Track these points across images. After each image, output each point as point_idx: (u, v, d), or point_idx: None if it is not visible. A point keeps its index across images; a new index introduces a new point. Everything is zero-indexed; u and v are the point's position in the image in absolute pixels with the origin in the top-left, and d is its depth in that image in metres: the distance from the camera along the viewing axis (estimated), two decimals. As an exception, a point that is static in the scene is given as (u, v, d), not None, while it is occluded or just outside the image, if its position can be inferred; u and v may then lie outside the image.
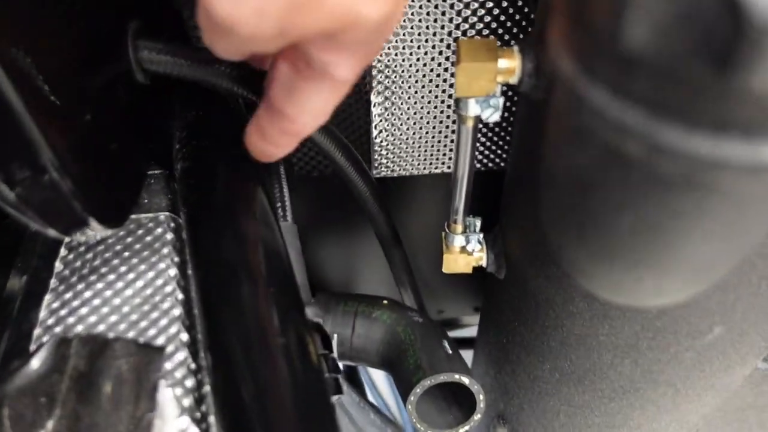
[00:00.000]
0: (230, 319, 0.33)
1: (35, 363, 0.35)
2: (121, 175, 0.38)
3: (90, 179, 0.34)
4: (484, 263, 0.53)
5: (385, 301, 0.61)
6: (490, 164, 0.65)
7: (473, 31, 0.52)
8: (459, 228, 0.51)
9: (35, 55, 0.29)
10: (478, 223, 0.52)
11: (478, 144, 0.63)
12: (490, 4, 0.51)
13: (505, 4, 0.51)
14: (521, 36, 0.53)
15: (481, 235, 0.52)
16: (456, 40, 0.51)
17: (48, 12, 0.31)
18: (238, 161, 0.42)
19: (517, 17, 0.52)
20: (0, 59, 0.26)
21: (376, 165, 0.63)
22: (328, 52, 0.29)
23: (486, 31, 0.52)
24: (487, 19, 0.52)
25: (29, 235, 0.45)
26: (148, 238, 0.43)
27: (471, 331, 0.99)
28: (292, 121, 0.34)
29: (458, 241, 0.52)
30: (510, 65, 0.36)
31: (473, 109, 0.39)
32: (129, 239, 0.43)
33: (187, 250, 0.38)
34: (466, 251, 0.52)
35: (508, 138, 0.63)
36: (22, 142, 0.29)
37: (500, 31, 0.53)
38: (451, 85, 0.57)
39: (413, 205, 0.72)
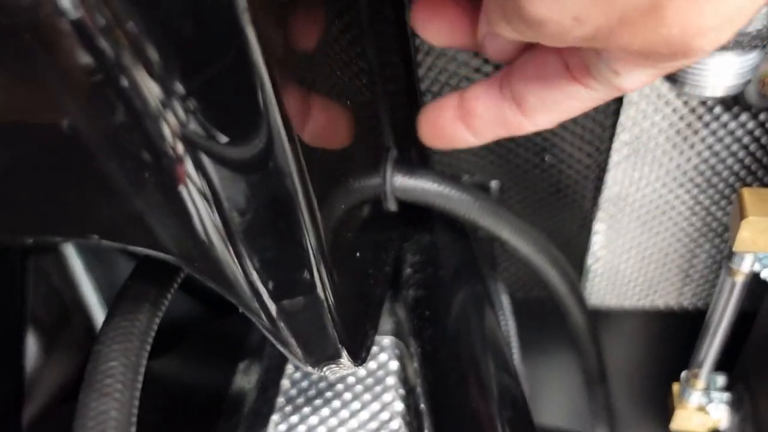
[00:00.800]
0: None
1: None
2: (369, 308, 0.38)
3: (349, 310, 0.33)
4: (723, 427, 0.46)
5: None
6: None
7: (708, 169, 0.48)
8: (700, 383, 0.45)
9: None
10: (722, 380, 0.46)
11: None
12: (734, 145, 0.46)
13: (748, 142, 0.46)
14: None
15: (726, 395, 0.45)
16: (733, 184, 0.46)
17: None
18: (476, 296, 0.40)
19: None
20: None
21: (586, 294, 0.59)
22: (626, 67, 0.23)
23: (726, 173, 0.48)
24: (730, 160, 0.47)
25: (252, 335, 0.46)
26: (373, 364, 0.42)
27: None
28: (526, 116, 0.28)
29: (696, 398, 0.46)
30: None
31: (751, 265, 0.35)
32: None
33: (420, 390, 0.36)
34: (703, 410, 0.46)
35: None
36: (299, 249, 0.27)
37: (742, 173, 0.48)
38: (684, 216, 0.52)
39: (624, 341, 0.66)
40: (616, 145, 0.48)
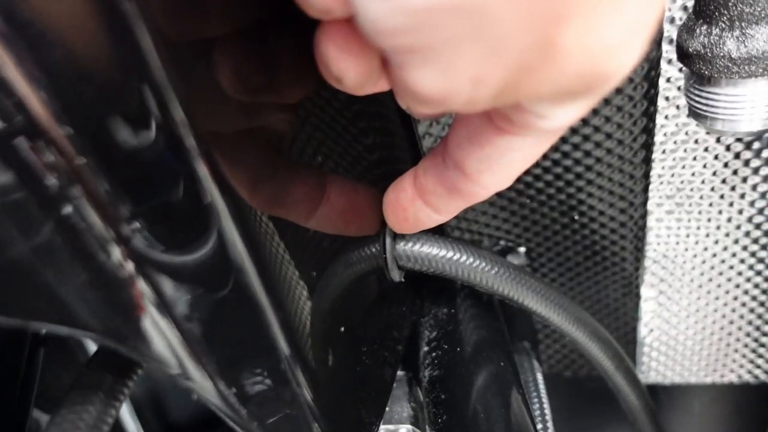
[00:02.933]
0: None
1: None
2: (369, 393, 0.33)
3: (337, 398, 0.29)
4: None
5: None
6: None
7: (765, 220, 0.42)
8: (782, 474, 0.38)
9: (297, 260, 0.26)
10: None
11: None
12: (805, 184, 0.41)
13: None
14: None
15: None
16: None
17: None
18: (500, 373, 0.35)
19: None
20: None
21: (643, 369, 0.52)
22: (549, 110, 0.21)
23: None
24: (801, 201, 0.42)
25: None
26: (388, 457, 0.37)
27: None
28: (472, 180, 0.26)
29: (779, 490, 0.38)
30: None
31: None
32: (366, 456, 0.37)
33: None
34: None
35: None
36: (267, 343, 0.25)
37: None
38: (746, 277, 0.46)
39: (689, 420, 0.58)
40: (657, 199, 0.44)
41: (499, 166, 0.25)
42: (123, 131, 0.19)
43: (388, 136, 0.39)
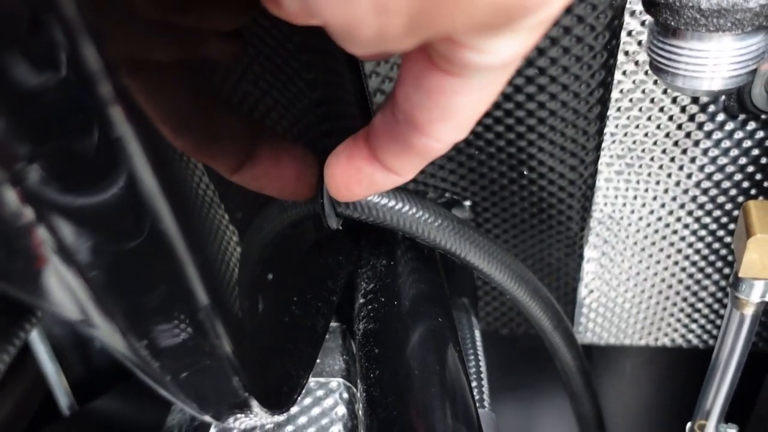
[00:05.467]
0: None
1: None
2: (298, 344, 0.32)
3: (261, 349, 0.27)
4: (737, 487, 0.39)
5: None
6: (760, 343, 0.51)
7: (713, 186, 0.42)
8: (707, 437, 0.38)
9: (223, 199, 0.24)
10: (734, 432, 0.39)
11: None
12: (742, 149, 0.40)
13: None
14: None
15: (739, 451, 0.38)
16: (742, 203, 0.40)
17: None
18: (437, 329, 0.34)
19: (791, 168, 0.41)
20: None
21: (580, 330, 0.52)
22: (487, 42, 0.20)
23: (733, 190, 0.42)
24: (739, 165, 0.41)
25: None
26: (316, 410, 0.36)
27: None
28: (425, 133, 0.24)
29: (703, 453, 0.39)
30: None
31: (761, 294, 0.29)
32: (294, 408, 0.36)
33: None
34: (711, 467, 0.39)
35: None
36: (182, 292, 0.22)
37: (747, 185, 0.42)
38: (688, 243, 0.46)
39: (625, 382, 0.59)
40: (607, 159, 0.42)
41: (450, 114, 0.23)
42: (20, 63, 0.16)
43: (333, 88, 0.36)
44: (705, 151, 0.41)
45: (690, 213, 0.44)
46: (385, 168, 0.26)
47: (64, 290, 0.20)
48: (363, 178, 0.27)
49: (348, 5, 0.17)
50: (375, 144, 0.26)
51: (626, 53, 0.37)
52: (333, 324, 0.40)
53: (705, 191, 0.43)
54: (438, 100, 0.23)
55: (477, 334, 0.42)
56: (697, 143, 0.40)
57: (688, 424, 0.39)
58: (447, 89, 0.22)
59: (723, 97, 0.38)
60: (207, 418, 0.26)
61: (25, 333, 0.24)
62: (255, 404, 0.26)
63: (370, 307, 0.36)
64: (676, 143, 0.41)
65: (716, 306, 0.49)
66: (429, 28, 0.18)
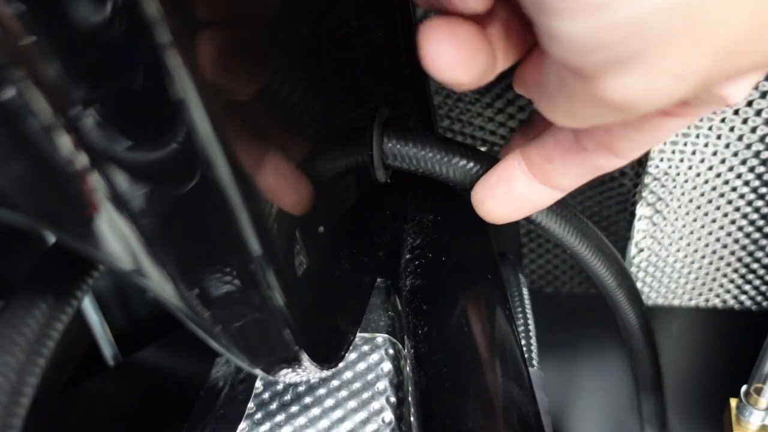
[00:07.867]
0: None
1: None
2: (346, 299, 0.31)
3: (311, 303, 0.27)
4: (792, 452, 0.38)
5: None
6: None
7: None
8: (763, 402, 0.37)
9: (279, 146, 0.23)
10: (792, 397, 0.37)
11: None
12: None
13: None
14: None
15: (796, 415, 0.37)
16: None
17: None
18: (486, 286, 0.33)
19: None
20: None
21: (628, 289, 0.51)
22: (731, 89, 0.20)
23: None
24: (819, 122, 0.39)
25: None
26: (361, 366, 0.35)
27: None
28: (620, 157, 0.25)
29: (757, 417, 0.38)
30: None
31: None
32: (340, 363, 0.35)
33: (411, 401, 0.30)
34: (766, 430, 0.38)
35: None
36: (235, 242, 0.22)
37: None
38: (747, 200, 0.44)
39: (673, 344, 0.58)
40: (665, 112, 0.40)
41: (656, 143, 0.25)
42: (82, 6, 0.15)
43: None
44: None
45: (752, 169, 0.42)
46: (551, 187, 0.28)
47: (117, 239, 0.19)
48: (527, 204, 0.29)
49: (649, 81, 0.17)
50: (547, 170, 0.27)
51: None
52: (378, 280, 0.40)
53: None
54: (652, 135, 0.23)
55: (525, 291, 0.41)
56: (764, 95, 0.38)
57: (744, 387, 0.38)
58: (666, 127, 0.22)
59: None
60: (257, 371, 0.26)
61: (82, 292, 0.23)
62: (305, 358, 0.26)
63: (417, 262, 0.36)
64: (741, 95, 0.39)
65: (774, 267, 0.48)
66: (710, 83, 0.18)
